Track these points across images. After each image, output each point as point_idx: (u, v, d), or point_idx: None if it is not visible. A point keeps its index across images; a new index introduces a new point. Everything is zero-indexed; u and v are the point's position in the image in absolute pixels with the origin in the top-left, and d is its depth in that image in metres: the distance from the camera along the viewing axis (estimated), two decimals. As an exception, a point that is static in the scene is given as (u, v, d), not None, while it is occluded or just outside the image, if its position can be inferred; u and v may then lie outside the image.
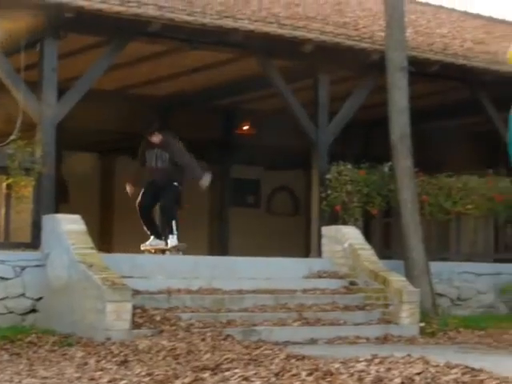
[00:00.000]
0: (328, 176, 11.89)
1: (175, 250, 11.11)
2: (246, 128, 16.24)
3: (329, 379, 6.04)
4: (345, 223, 11.82)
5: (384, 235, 12.67)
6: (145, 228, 11.37)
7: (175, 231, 11.02)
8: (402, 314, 10.08)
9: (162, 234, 11.38)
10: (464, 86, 13.54)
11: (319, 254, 11.67)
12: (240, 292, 9.96)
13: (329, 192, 11.84)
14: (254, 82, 13.01)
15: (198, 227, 17.06)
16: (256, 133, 16.13)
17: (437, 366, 6.42)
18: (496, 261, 13.26)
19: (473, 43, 13.98)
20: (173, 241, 11.06)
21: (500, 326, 10.88)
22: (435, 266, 11.80)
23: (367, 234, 11.97)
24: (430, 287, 11.24)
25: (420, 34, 13.35)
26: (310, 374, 6.20)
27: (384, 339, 9.59)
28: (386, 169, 12.12)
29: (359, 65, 12.20)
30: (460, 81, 13.39)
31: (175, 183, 11.26)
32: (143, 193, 11.37)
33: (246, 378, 6.07)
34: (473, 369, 6.45)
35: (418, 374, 6.09)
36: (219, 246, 16.68)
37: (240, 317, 9.27)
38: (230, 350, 7.57)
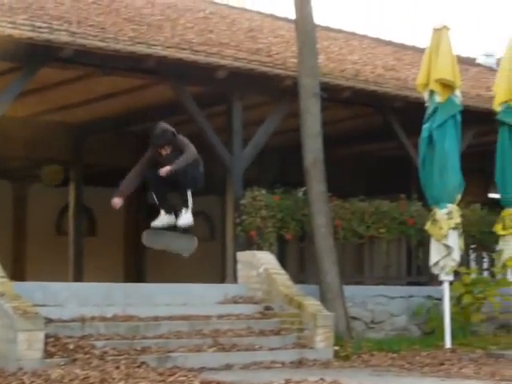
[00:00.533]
0: (243, 201, 11.93)
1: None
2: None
3: (243, 405, 6.05)
4: (260, 248, 11.87)
5: (299, 260, 12.75)
6: (155, 199, 9.76)
7: (190, 203, 9.48)
8: (316, 338, 10.13)
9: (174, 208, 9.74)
10: (376, 112, 13.80)
11: (234, 280, 11.68)
12: (155, 319, 9.87)
13: (243, 217, 11.88)
14: (169, 108, 13.00)
15: (113, 253, 16.93)
16: (171, 158, 16.07)
17: (349, 389, 6.49)
18: (409, 284, 13.47)
19: (384, 69, 14.25)
20: (187, 217, 9.56)
21: (413, 349, 11.06)
22: (349, 290, 11.92)
23: (282, 259, 12.03)
24: (345, 311, 11.35)
25: (332, 61, 13.56)
26: (224, 400, 6.20)
27: (299, 363, 9.63)
28: (301, 194, 12.23)
29: (273, 91, 12.32)
30: (372, 106, 13.65)
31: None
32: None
33: (159, 406, 6.02)
34: (384, 391, 6.54)
35: (331, 397, 6.15)
36: (135, 272, 16.57)
37: (155, 344, 9.19)
38: (145, 377, 7.51)
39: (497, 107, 11.50)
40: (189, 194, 9.49)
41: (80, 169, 15.46)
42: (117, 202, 9.69)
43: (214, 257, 16.09)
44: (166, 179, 9.36)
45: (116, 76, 11.59)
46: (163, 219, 9.71)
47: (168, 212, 9.71)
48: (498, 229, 11.51)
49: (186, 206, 9.49)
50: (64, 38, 10.29)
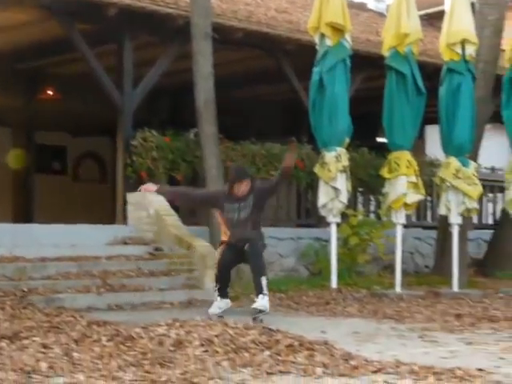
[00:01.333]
0: (133, 142, 11.84)
1: (257, 317, 8.36)
2: (50, 93, 15.85)
3: (129, 344, 6.09)
4: (151, 190, 11.82)
5: (190, 201, 12.75)
6: (217, 284, 8.88)
7: (266, 291, 8.53)
8: (206, 278, 10.22)
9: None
10: (268, 55, 13.80)
11: (124, 221, 11.64)
12: (43, 260, 9.79)
13: (134, 158, 11.80)
14: (58, 46, 12.70)
15: (1, 194, 16.59)
16: (61, 98, 15.78)
17: (235, 327, 6.60)
18: (298, 226, 13.67)
19: (276, 12, 14.23)
20: (263, 303, 8.44)
21: (300, 289, 11.27)
22: (240, 231, 12.00)
23: (173, 201, 12.04)
24: (234, 252, 11.44)
25: (224, 2, 13.43)
26: (110, 340, 6.22)
27: (188, 304, 9.70)
28: (192, 135, 12.20)
29: (165, 30, 12.16)
30: (264, 49, 13.63)
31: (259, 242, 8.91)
32: (223, 251, 8.87)
33: (45, 346, 5.99)
34: (270, 329, 6.68)
35: (217, 335, 6.24)
36: (23, 213, 16.28)
37: (42, 285, 9.11)
38: (30, 318, 7.45)
39: (385, 52, 11.64)
40: (262, 280, 8.53)
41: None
42: (150, 189, 9.05)
43: (104, 198, 15.97)
44: (236, 260, 8.85)
45: (1, 11, 11.23)
46: (220, 305, 8.80)
47: (225, 297, 8.88)
48: (384, 172, 11.73)
49: (262, 293, 8.47)
50: None
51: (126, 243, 10.92)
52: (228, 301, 8.91)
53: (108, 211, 14.22)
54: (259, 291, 8.47)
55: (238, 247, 8.76)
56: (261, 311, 8.36)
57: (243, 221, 8.79)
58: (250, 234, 8.79)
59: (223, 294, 8.84)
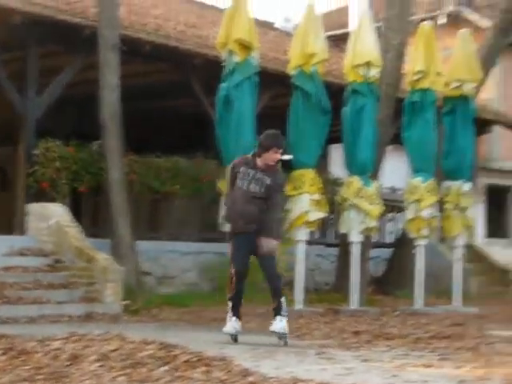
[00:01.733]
0: (36, 152, 11.67)
1: (281, 339, 7.91)
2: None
3: (23, 358, 5.97)
4: (53, 200, 11.68)
5: (93, 213, 12.64)
6: (232, 302, 8.11)
7: (285, 311, 7.90)
8: (106, 292, 10.14)
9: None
10: (176, 69, 13.79)
11: (23, 232, 11.42)
12: None
13: (36, 168, 11.63)
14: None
15: None
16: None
17: (133, 342, 6.56)
18: (203, 240, 13.66)
19: (186, 26, 14.26)
20: (281, 326, 7.85)
21: (202, 304, 11.28)
22: (143, 245, 11.98)
23: (76, 212, 11.88)
24: (136, 265, 11.40)
25: (133, 14, 13.41)
26: (4, 354, 6.11)
27: (87, 317, 9.60)
28: (96, 147, 12.10)
29: (71, 40, 12.04)
30: (172, 63, 13.62)
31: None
32: (234, 255, 8.08)
33: None
34: (168, 345, 6.65)
35: (114, 350, 6.19)
36: None
37: None
38: None
39: (291, 71, 11.77)
40: (283, 302, 7.87)
41: None
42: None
43: (3, 208, 15.62)
44: (248, 261, 7.97)
45: None
46: (235, 325, 8.07)
47: (238, 317, 8.11)
48: (289, 189, 11.83)
49: (280, 314, 7.88)
50: None
51: (23, 254, 10.73)
52: (240, 323, 8.11)
53: (7, 221, 13.96)
54: (277, 312, 7.88)
55: (248, 236, 7.81)
56: (284, 334, 7.90)
57: (250, 197, 7.70)
58: (254, 214, 7.70)
59: (237, 313, 8.09)
